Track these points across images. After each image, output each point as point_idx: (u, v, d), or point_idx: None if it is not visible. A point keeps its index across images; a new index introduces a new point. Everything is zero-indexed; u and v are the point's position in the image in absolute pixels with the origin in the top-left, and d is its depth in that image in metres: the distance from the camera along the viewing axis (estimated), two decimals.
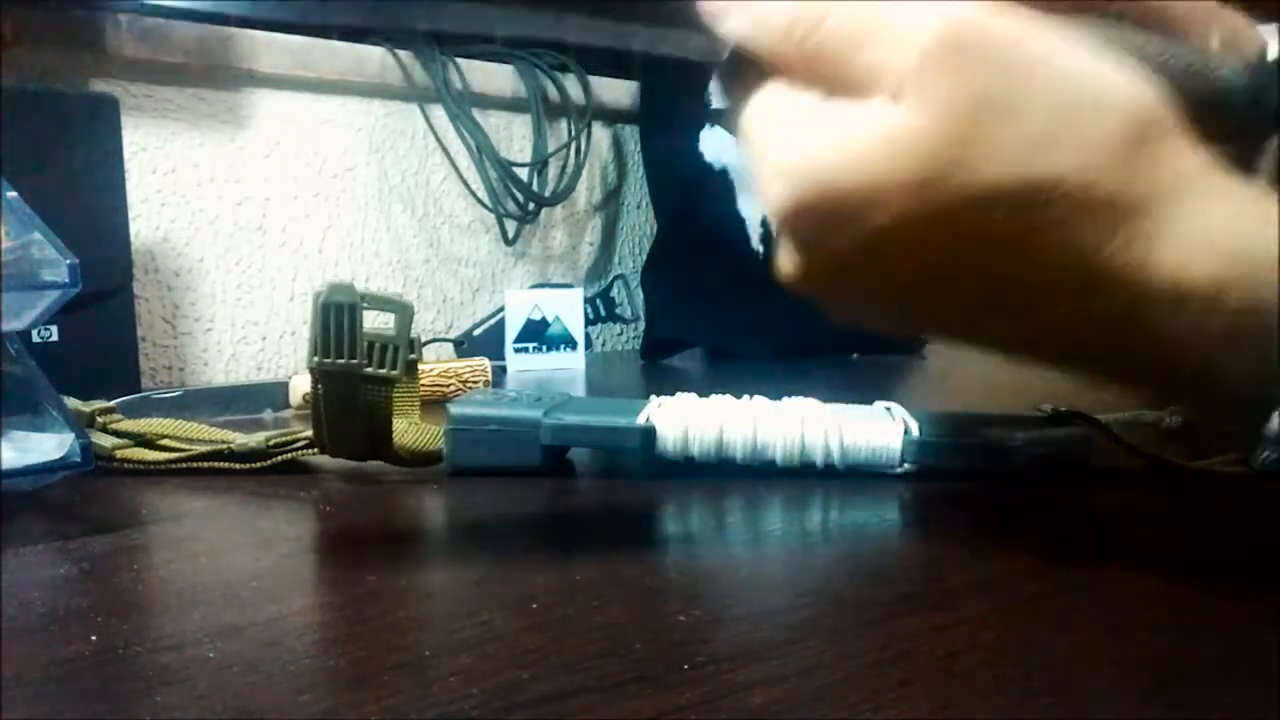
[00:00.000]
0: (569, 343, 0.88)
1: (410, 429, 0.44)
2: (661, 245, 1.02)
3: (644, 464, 0.42)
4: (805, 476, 0.41)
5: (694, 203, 0.98)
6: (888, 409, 0.44)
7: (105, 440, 0.42)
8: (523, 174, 1.03)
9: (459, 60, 1.00)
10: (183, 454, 0.43)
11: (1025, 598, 0.27)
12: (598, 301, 1.05)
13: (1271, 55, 0.31)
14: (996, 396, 0.59)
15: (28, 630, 0.25)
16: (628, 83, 1.12)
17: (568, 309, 0.88)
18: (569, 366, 0.88)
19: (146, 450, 0.43)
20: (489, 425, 0.42)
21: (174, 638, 0.24)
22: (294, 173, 0.94)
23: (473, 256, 1.06)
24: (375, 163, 0.99)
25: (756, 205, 0.92)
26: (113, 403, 0.46)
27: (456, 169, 1.01)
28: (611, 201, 1.16)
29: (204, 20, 0.86)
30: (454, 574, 0.30)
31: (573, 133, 1.05)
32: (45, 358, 0.39)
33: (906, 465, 0.41)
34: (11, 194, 0.38)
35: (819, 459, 0.41)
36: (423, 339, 0.79)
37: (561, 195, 1.06)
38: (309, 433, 0.42)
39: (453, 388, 0.67)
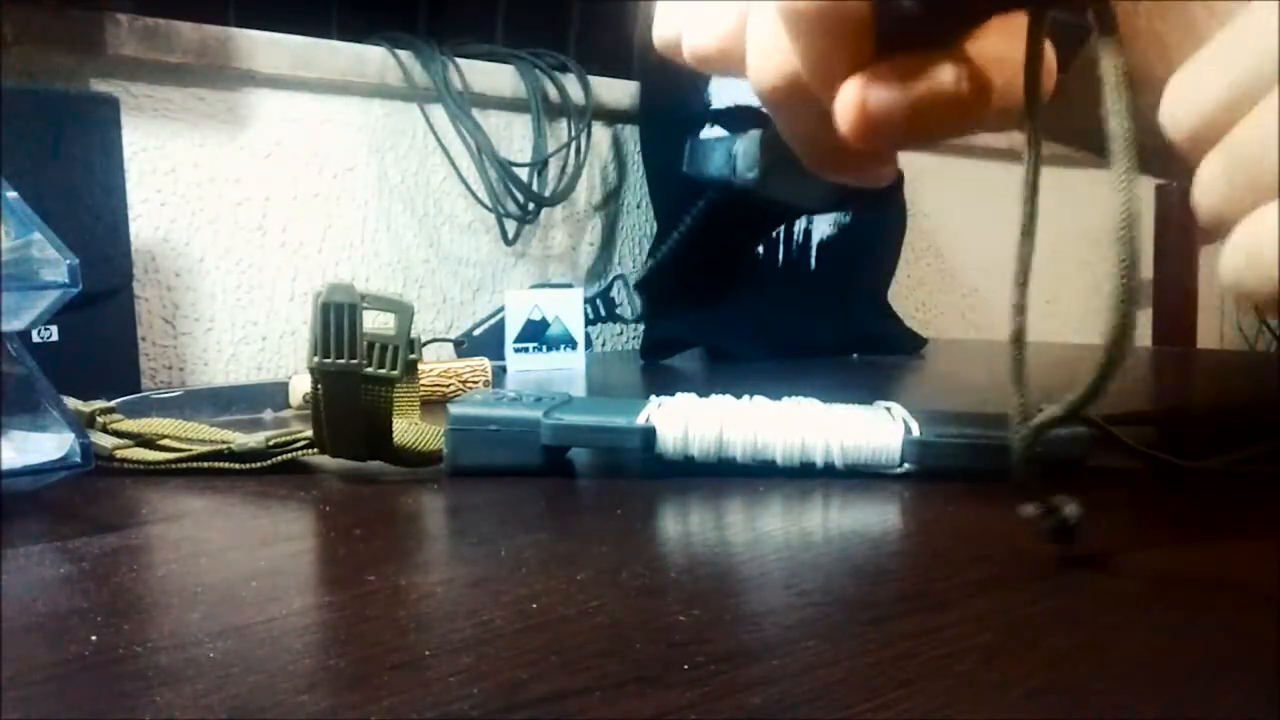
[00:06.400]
0: (569, 343, 0.88)
1: (410, 429, 0.44)
2: (662, 245, 1.03)
3: (644, 464, 0.42)
4: (805, 476, 0.41)
5: (694, 203, 0.98)
6: (888, 409, 0.44)
7: (105, 440, 0.42)
8: (523, 174, 1.03)
9: (459, 60, 1.00)
10: (183, 454, 0.43)
11: (1025, 598, 0.27)
12: (598, 301, 1.05)
13: None
14: (996, 396, 0.59)
15: (28, 630, 0.25)
16: (627, 83, 1.12)
17: (568, 309, 0.88)
18: (569, 366, 0.87)
19: (146, 450, 0.43)
20: (489, 425, 0.42)
21: (174, 638, 0.24)
22: (294, 173, 0.94)
23: (473, 256, 1.06)
24: (375, 163, 0.99)
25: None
26: (113, 403, 0.46)
27: (456, 169, 1.01)
28: (611, 201, 1.16)
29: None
30: (454, 574, 0.30)
31: (573, 133, 1.06)
32: (45, 358, 0.39)
33: (906, 465, 0.41)
34: (11, 194, 0.38)
35: (819, 459, 0.41)
36: (423, 339, 0.79)
37: (561, 195, 1.06)
38: (309, 433, 0.42)
39: (453, 388, 0.67)
